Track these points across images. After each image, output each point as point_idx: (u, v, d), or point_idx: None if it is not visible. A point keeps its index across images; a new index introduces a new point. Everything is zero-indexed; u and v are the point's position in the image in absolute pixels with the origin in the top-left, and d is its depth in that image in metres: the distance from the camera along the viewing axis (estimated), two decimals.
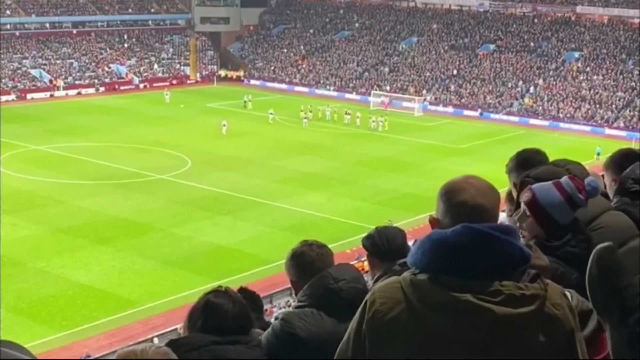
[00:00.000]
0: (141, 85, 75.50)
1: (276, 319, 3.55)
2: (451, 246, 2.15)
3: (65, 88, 70.86)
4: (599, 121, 63.08)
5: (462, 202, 2.30)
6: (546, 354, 2.16)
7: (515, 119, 65.28)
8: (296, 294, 3.72)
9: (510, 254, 2.17)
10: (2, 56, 70.83)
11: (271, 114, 59.49)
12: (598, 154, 47.13)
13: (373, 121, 58.45)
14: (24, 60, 73.00)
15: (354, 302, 3.51)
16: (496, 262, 2.15)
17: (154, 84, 75.47)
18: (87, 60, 76.48)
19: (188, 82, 79.12)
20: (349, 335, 2.31)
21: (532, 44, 75.38)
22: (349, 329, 2.32)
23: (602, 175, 4.23)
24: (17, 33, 75.80)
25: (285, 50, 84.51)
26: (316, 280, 3.57)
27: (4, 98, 65.30)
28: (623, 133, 58.64)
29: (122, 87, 74.05)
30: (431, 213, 2.46)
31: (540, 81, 69.90)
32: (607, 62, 69.74)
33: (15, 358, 1.95)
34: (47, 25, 78.74)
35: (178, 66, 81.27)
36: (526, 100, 67.98)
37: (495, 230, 2.17)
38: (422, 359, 2.14)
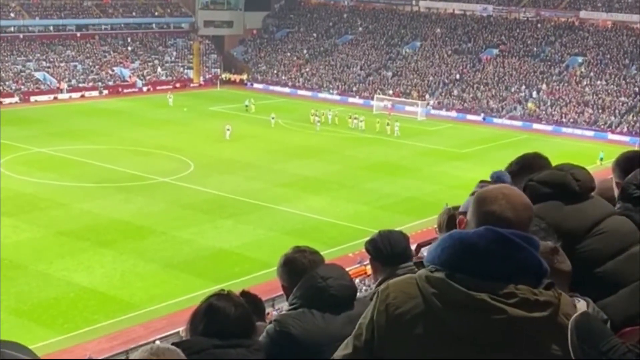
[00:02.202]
0: (144, 89, 75.60)
1: (270, 322, 3.58)
2: (472, 246, 2.17)
3: (68, 91, 70.99)
4: (602, 126, 63.06)
5: (490, 212, 2.31)
6: None
7: (518, 123, 65.28)
8: (287, 299, 3.74)
9: (529, 262, 2.20)
10: (5, 59, 71.04)
11: (273, 118, 59.53)
12: (601, 159, 47.11)
13: (387, 124, 58.52)
14: (28, 63, 73.14)
15: (342, 297, 3.57)
16: (514, 267, 2.17)
17: (157, 87, 75.55)
18: (90, 63, 76.61)
19: (191, 85, 79.24)
20: (360, 326, 2.33)
21: (535, 48, 75.39)
22: (360, 320, 2.34)
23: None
24: (21, 36, 75.96)
25: (288, 54, 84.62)
26: (304, 281, 3.61)
27: (7, 100, 65.45)
28: (626, 138, 58.57)
29: (125, 90, 74.15)
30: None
31: (544, 86, 69.89)
32: (611, 67, 69.73)
33: (17, 358, 1.95)
34: (51, 28, 78.89)
35: (181, 69, 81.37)
36: (529, 105, 67.96)
37: (517, 237, 2.19)
38: (431, 354, 2.15)
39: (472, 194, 3.94)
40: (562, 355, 2.17)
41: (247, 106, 65.32)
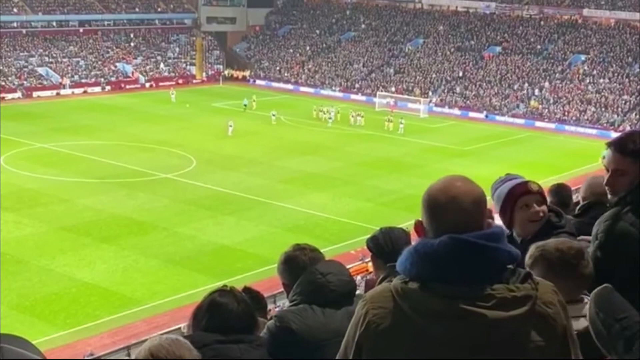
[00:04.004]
0: (147, 85, 75.61)
1: (270, 318, 3.60)
2: (438, 258, 2.15)
3: (71, 86, 71.01)
4: (605, 124, 62.93)
5: (441, 222, 2.23)
6: (541, 353, 2.16)
7: (521, 121, 65.18)
8: (288, 297, 3.76)
9: (499, 260, 2.18)
10: (8, 54, 71.06)
11: (274, 115, 59.44)
12: (603, 157, 47.04)
13: (390, 121, 58.56)
14: (31, 59, 73.16)
15: (342, 293, 3.60)
16: (485, 268, 2.15)
17: (160, 83, 75.56)
18: (93, 59, 76.61)
19: (194, 81, 79.20)
20: (345, 346, 2.31)
21: (538, 46, 75.27)
22: (344, 340, 2.31)
23: None
24: (24, 31, 75.92)
25: (291, 51, 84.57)
26: (304, 278, 3.64)
27: (10, 96, 65.49)
28: None
29: (128, 86, 74.13)
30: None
31: (546, 84, 69.79)
32: (613, 65, 69.60)
33: (19, 358, 1.93)
34: (54, 23, 78.85)
35: (184, 65, 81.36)
36: (532, 102, 67.88)
37: (482, 239, 2.16)
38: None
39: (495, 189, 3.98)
40: (545, 345, 2.16)
41: (245, 105, 64.86)
